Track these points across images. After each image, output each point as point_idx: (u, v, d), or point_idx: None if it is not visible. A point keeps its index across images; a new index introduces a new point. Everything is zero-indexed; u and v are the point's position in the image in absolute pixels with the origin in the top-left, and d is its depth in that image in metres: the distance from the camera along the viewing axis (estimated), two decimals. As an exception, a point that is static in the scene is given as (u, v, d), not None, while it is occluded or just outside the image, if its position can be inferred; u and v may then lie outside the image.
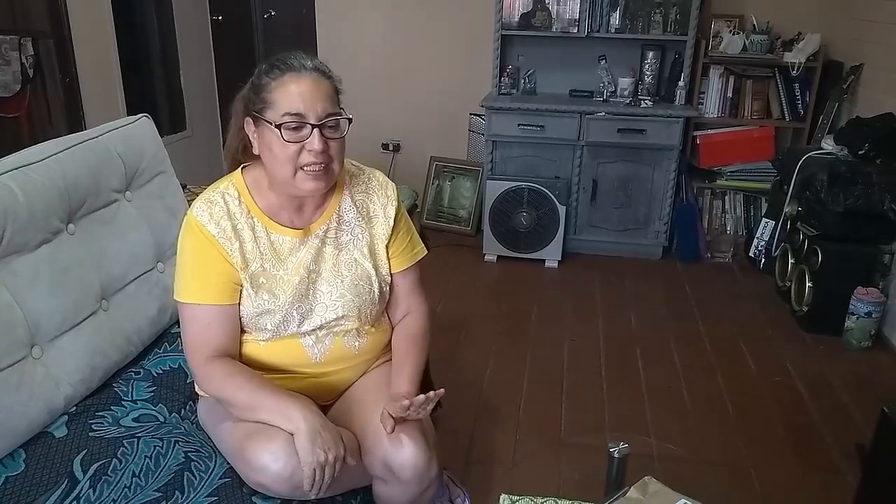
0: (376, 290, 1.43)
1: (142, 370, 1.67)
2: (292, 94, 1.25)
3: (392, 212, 1.45)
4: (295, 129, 1.26)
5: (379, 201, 1.45)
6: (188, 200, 2.02)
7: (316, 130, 1.25)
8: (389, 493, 1.39)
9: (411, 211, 3.52)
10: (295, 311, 1.37)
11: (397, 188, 1.49)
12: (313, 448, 1.20)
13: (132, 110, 3.73)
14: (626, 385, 2.51)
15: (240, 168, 1.41)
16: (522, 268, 3.53)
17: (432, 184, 4.05)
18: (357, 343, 1.44)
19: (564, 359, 2.69)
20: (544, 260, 3.55)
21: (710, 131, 3.58)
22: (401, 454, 1.30)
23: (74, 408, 1.50)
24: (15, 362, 1.39)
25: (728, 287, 3.39)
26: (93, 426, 1.46)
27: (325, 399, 1.46)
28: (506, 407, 2.36)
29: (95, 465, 1.34)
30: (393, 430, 1.27)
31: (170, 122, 4.11)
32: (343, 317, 1.40)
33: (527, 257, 3.56)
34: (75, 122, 3.34)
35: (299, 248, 1.38)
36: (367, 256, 1.43)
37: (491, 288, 3.39)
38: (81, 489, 1.29)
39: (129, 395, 1.58)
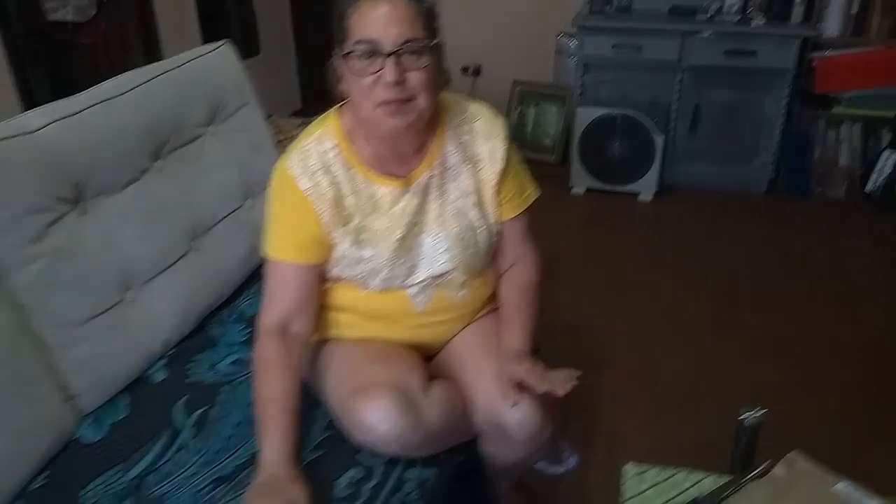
0: (485, 241, 1.30)
1: (235, 312, 1.62)
2: (366, 19, 1.09)
3: (501, 153, 1.29)
4: (365, 57, 1.10)
5: (486, 142, 1.29)
6: (275, 134, 1.92)
7: (390, 60, 1.08)
8: (498, 452, 1.33)
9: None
10: (398, 268, 1.25)
11: (506, 124, 1.33)
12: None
13: (206, 34, 3.63)
14: (734, 334, 2.34)
15: (335, 111, 1.26)
16: (613, 201, 3.33)
17: (515, 110, 3.84)
18: (461, 294, 1.32)
19: (665, 303, 2.52)
20: (637, 193, 3.34)
21: (829, 52, 3.21)
22: (515, 414, 1.20)
23: (173, 351, 1.47)
24: (110, 307, 1.35)
25: (841, 225, 3.11)
26: (190, 371, 1.43)
27: (431, 349, 1.37)
28: (605, 356, 2.23)
29: (197, 413, 1.31)
30: (516, 402, 1.18)
31: (243, 46, 3.98)
32: (450, 271, 1.28)
33: (618, 190, 3.35)
34: (151, 49, 3.26)
35: (400, 200, 1.25)
36: (475, 205, 1.29)
37: (580, 223, 3.21)
38: (186, 437, 1.25)
39: (225, 339, 1.53)
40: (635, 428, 1.93)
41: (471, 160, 1.29)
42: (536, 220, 1.40)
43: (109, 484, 1.16)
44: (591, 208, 3.32)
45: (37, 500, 1.14)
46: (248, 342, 1.50)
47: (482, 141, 1.29)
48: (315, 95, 4.32)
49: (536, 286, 1.37)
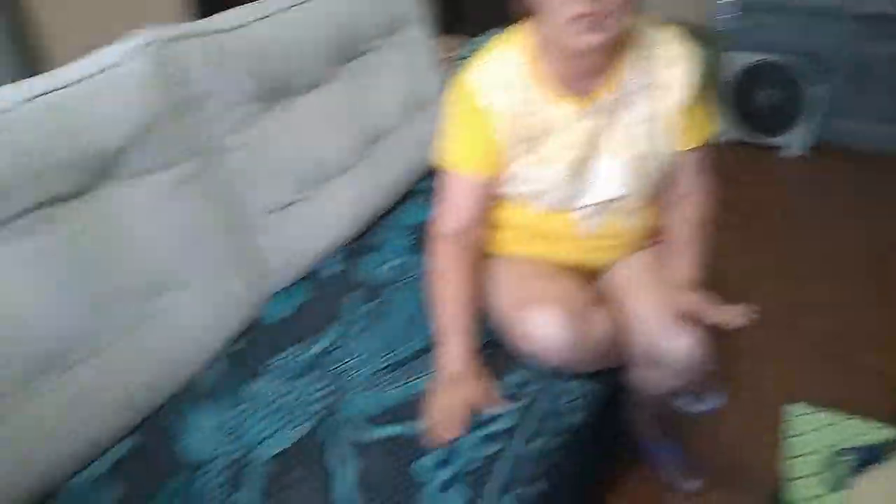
0: (658, 169, 1.29)
1: (399, 220, 1.70)
2: None
3: (687, 82, 1.26)
4: None
5: (673, 70, 1.25)
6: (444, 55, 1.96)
7: None
8: (650, 380, 1.34)
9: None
10: (568, 189, 1.27)
11: (696, 53, 1.29)
12: (436, 399, 1.14)
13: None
14: (884, 300, 2.21)
15: (521, 27, 1.26)
16: (759, 155, 3.17)
17: (657, 51, 3.70)
18: (629, 222, 1.33)
19: (812, 261, 2.41)
20: (785, 147, 3.17)
21: None
22: (675, 344, 1.22)
23: (345, 249, 1.57)
24: (297, 200, 1.46)
25: None
26: (361, 268, 1.51)
27: (592, 273, 1.39)
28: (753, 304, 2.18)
29: (370, 305, 1.40)
30: (679, 332, 1.21)
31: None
32: (621, 196, 1.28)
33: (765, 143, 3.20)
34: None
35: (578, 121, 1.25)
36: (653, 132, 1.27)
37: (720, 173, 3.09)
38: (361, 325, 1.35)
39: (390, 244, 1.61)
40: (776, 376, 1.90)
41: (654, 86, 1.26)
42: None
43: (294, 357, 1.28)
44: (734, 160, 3.18)
45: (235, 361, 1.28)
46: (412, 248, 1.57)
47: (669, 68, 1.26)
48: (451, 19, 4.33)
49: (707, 221, 1.36)
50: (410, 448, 1.07)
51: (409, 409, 1.14)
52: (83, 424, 1.08)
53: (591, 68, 1.22)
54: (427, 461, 1.05)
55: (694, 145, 1.32)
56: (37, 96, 1.03)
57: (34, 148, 1.00)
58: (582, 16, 1.09)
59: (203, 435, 1.13)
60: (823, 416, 1.18)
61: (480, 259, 1.32)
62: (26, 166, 0.99)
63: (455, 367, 1.17)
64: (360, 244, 1.59)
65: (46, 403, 1.03)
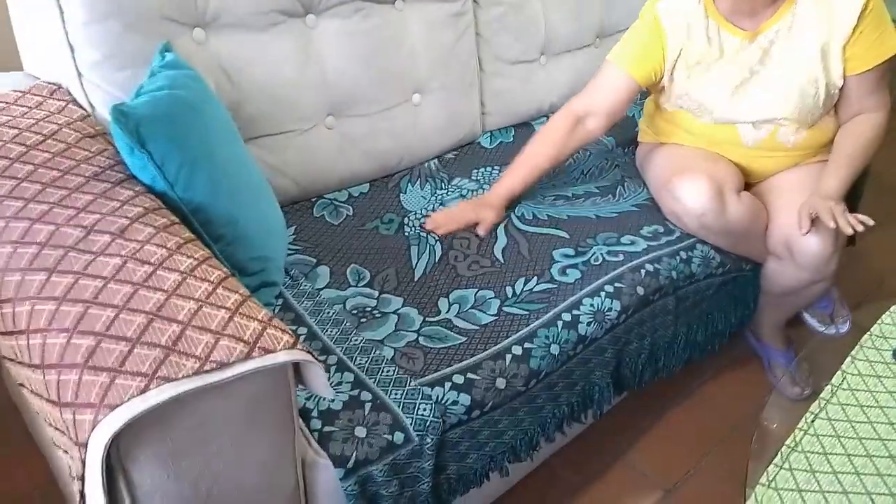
0: (822, 95, 1.40)
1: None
2: None
3: (857, 9, 1.33)
4: None
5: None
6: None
7: None
8: (780, 271, 1.50)
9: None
10: (731, 107, 1.43)
11: None
12: (458, 204, 1.47)
13: None
14: None
15: None
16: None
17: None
18: (792, 139, 1.46)
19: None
20: None
21: None
22: (806, 241, 1.37)
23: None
24: (529, 60, 1.81)
25: None
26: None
27: (752, 178, 1.55)
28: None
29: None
30: (808, 231, 1.33)
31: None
32: (781, 118, 1.42)
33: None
34: None
35: (746, 49, 1.41)
36: (819, 58, 1.37)
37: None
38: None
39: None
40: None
41: (825, 13, 1.35)
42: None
43: (489, 172, 1.66)
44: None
45: (451, 161, 1.70)
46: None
47: None
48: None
49: (875, 139, 1.42)
50: (552, 241, 1.41)
51: (554, 221, 1.47)
52: (341, 162, 1.51)
53: (760, 2, 1.38)
54: (562, 251, 1.38)
55: (867, 68, 1.39)
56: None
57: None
58: None
59: (416, 196, 1.56)
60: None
61: (572, 148, 1.54)
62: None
63: (488, 195, 1.47)
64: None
65: (327, 136, 1.49)
